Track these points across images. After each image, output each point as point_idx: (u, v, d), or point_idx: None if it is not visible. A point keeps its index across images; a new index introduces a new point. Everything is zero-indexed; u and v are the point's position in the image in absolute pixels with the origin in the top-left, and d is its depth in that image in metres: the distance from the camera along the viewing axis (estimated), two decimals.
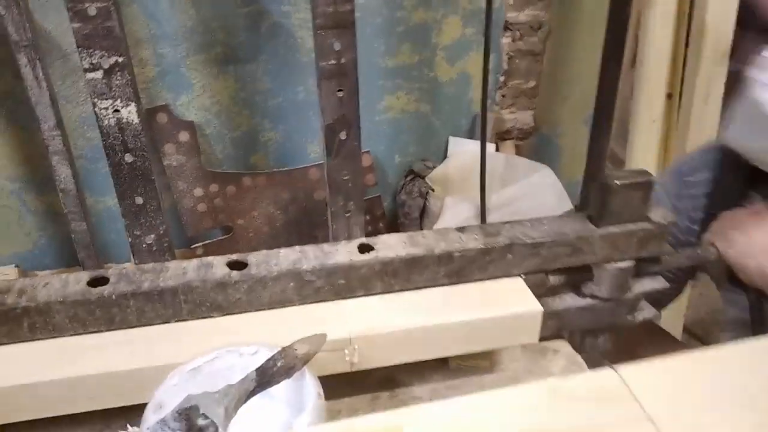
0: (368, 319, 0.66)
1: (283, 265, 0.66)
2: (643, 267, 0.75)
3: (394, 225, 1.80)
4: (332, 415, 0.56)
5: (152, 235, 0.71)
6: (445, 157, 1.80)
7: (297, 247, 0.69)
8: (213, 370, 0.57)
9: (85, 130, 1.45)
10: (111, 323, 0.64)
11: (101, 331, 0.64)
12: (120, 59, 0.62)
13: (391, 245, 0.69)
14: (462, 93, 1.78)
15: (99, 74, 0.63)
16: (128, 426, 0.46)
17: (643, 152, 1.55)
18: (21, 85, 0.71)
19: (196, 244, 1.60)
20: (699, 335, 1.69)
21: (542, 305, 0.68)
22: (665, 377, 0.48)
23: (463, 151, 1.75)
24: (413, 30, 1.62)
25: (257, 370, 0.52)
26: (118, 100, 0.64)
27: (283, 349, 0.53)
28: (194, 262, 0.67)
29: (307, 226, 1.66)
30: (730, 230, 0.83)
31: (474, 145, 1.72)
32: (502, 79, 1.80)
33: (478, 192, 1.33)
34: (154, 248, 0.72)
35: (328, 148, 0.69)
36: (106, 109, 0.64)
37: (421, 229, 1.70)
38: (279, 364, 0.52)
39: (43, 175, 1.45)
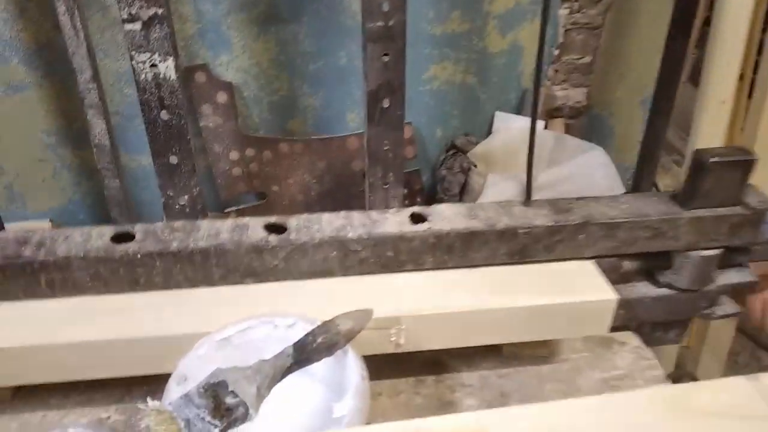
0: (418, 297, 0.60)
1: (326, 232, 0.61)
2: (730, 257, 0.67)
3: (431, 201, 1.75)
4: (372, 398, 0.51)
5: (186, 196, 0.70)
6: (489, 132, 1.74)
7: (342, 213, 0.64)
8: (244, 342, 0.53)
9: (123, 86, 1.43)
10: (135, 284, 0.60)
11: (124, 292, 0.60)
12: (159, 11, 0.61)
13: (446, 217, 0.63)
14: (512, 66, 1.70)
15: (137, 25, 0.61)
16: (149, 399, 0.40)
17: (709, 135, 1.44)
18: (59, 36, 0.71)
19: (230, 209, 1.58)
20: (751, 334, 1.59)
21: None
22: None
23: (510, 127, 1.70)
24: None
25: (295, 345, 0.47)
26: (156, 54, 0.63)
27: (324, 323, 0.48)
28: (229, 222, 0.63)
29: (343, 198, 1.62)
30: None
31: (522, 122, 1.67)
32: (556, 52, 1.74)
33: (524, 170, 1.25)
34: (188, 209, 0.71)
35: (369, 115, 0.66)
36: (144, 62, 0.63)
37: None
38: (319, 339, 0.47)
39: (79, 130, 1.43)
